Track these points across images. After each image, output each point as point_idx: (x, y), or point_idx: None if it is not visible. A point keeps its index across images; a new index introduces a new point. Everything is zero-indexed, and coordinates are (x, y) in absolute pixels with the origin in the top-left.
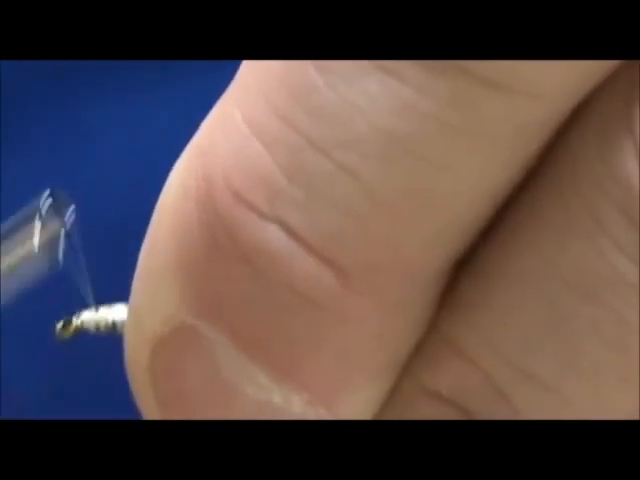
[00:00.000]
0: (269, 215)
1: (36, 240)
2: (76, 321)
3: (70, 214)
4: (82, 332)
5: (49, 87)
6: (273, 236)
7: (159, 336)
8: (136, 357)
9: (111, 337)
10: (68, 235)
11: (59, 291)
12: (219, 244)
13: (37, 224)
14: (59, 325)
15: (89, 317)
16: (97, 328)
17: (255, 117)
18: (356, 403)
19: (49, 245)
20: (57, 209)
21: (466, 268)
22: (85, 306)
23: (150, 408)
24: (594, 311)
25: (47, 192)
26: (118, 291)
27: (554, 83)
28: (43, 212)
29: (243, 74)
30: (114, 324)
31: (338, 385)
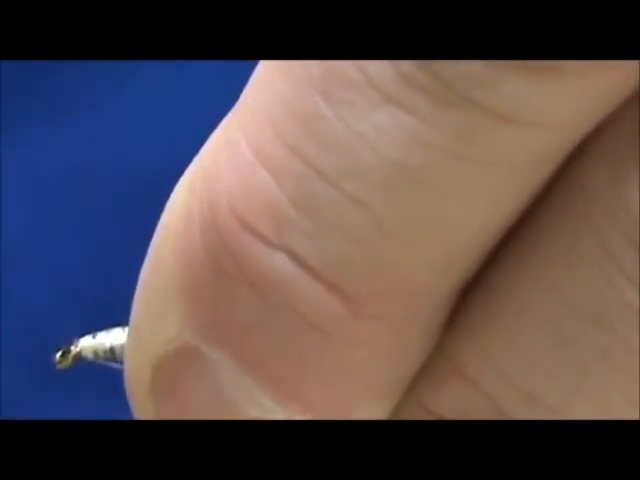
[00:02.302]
0: (276, 243)
1: None
2: (74, 349)
3: None
4: (81, 360)
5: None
6: (280, 263)
7: (161, 356)
8: (137, 376)
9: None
10: None
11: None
12: (225, 270)
13: None
14: (57, 355)
15: (87, 344)
16: (96, 354)
17: (261, 145)
18: None
19: None
20: None
21: (472, 289)
22: (82, 333)
23: None
24: (601, 337)
25: None
26: (115, 312)
27: (566, 113)
28: None
29: (247, 97)
30: (112, 349)
31: (342, 406)
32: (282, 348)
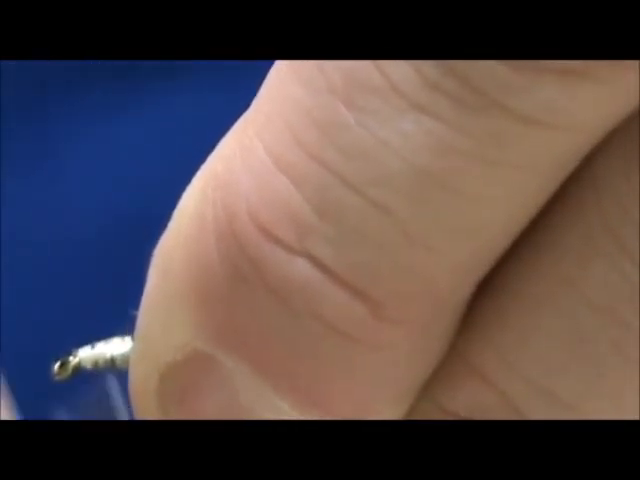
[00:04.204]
0: (298, 249)
1: None
2: (73, 360)
3: None
4: (80, 371)
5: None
6: (302, 269)
7: (170, 363)
8: (143, 385)
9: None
10: None
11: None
12: (243, 276)
13: None
14: (56, 366)
15: (86, 355)
16: (95, 365)
17: (281, 152)
18: None
19: None
20: None
21: (486, 288)
22: (81, 344)
23: None
24: (616, 331)
25: None
26: (109, 324)
27: (595, 116)
28: None
29: (261, 103)
30: (113, 359)
31: (362, 410)
32: (303, 353)
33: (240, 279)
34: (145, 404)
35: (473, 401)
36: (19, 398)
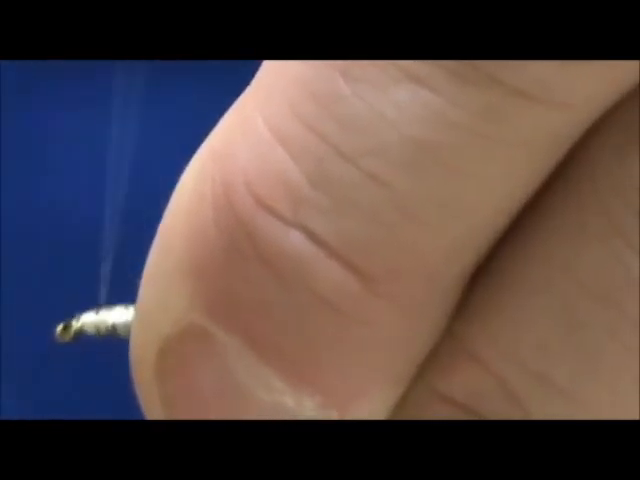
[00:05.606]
0: (292, 221)
1: None
2: (76, 324)
3: None
4: (82, 335)
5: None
6: (296, 241)
7: (167, 336)
8: (142, 357)
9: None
10: None
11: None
12: (238, 248)
13: None
14: (59, 328)
15: (89, 320)
16: (97, 331)
17: (279, 124)
18: (369, 407)
19: None
20: None
21: (482, 272)
22: (85, 309)
23: (154, 409)
24: (611, 315)
25: None
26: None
27: (585, 93)
28: None
29: (263, 76)
30: (114, 327)
31: (353, 389)
32: (295, 327)
33: (235, 251)
34: (144, 377)
35: (469, 386)
36: None
